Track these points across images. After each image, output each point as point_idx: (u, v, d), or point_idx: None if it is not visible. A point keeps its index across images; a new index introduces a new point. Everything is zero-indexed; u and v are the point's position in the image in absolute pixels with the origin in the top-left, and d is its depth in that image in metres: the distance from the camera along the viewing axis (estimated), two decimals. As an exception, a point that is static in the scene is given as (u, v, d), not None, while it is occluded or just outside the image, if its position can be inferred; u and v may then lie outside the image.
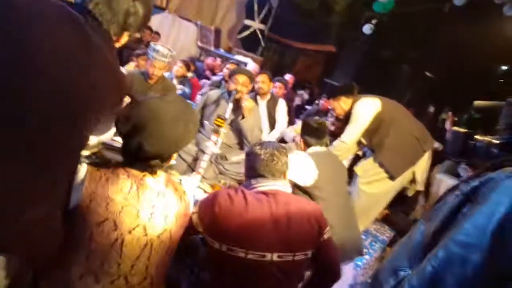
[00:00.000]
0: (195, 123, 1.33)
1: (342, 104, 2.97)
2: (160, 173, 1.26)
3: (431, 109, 6.79)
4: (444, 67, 8.15)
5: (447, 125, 4.42)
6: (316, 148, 2.36)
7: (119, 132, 1.21)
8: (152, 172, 1.22)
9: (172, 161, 1.39)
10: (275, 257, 1.31)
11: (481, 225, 0.85)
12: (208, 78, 5.47)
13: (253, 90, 3.56)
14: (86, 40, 0.89)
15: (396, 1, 6.75)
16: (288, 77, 6.16)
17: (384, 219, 3.77)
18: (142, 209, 1.17)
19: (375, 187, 2.93)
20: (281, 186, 1.45)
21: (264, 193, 1.40)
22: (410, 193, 3.18)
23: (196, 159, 3.02)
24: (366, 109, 2.85)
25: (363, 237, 3.34)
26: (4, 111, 0.73)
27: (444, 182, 5.24)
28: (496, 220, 0.83)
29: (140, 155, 1.17)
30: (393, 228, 3.72)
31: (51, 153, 0.85)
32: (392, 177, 2.84)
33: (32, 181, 0.82)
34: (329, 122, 4.46)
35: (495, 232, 0.82)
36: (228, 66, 4.45)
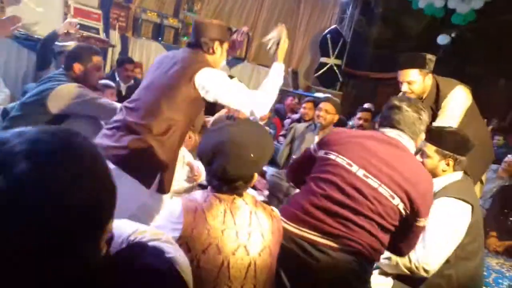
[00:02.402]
0: (271, 143, 1.42)
1: (419, 79, 2.36)
2: (247, 194, 1.34)
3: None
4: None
5: None
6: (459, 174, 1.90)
7: (202, 161, 1.33)
8: (240, 194, 1.30)
9: (262, 197, 1.46)
10: (360, 173, 1.46)
11: None
12: (289, 118, 5.59)
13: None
14: None
15: (476, 11, 6.32)
16: (367, 105, 6.01)
17: (507, 251, 3.29)
18: (240, 230, 1.24)
19: None
20: (407, 141, 1.57)
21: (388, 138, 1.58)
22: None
23: (287, 195, 3.04)
24: (466, 99, 2.38)
25: (485, 273, 2.94)
26: None
27: None
28: None
29: (225, 179, 1.25)
30: (520, 260, 3.22)
31: None
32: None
33: None
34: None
35: None
36: (304, 105, 4.50)
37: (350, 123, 5.11)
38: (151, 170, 1.84)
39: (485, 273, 2.94)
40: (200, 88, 1.83)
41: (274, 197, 3.08)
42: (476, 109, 2.59)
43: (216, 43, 1.94)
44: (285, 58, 7.32)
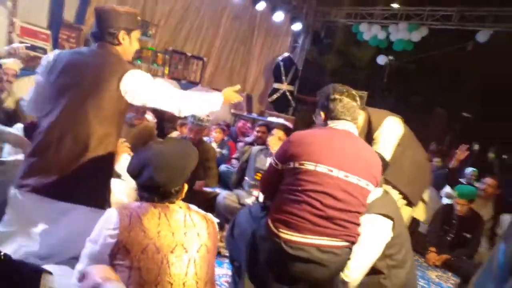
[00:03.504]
0: (194, 152, 1.47)
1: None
2: (180, 202, 1.40)
3: (476, 147, 6.56)
4: (478, 105, 7.99)
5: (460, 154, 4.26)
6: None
7: (132, 177, 1.38)
8: (172, 202, 1.36)
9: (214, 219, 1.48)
10: (341, 174, 1.62)
11: None
12: (241, 141, 5.67)
13: None
14: None
15: (417, 45, 6.89)
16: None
17: (445, 265, 3.50)
18: (175, 231, 1.29)
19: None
20: (353, 128, 1.78)
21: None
22: (421, 217, 3.13)
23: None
24: (396, 130, 2.52)
25: (425, 285, 3.11)
26: None
27: (504, 219, 4.89)
28: None
29: (154, 188, 1.32)
30: (457, 274, 3.42)
31: None
32: (410, 204, 2.66)
33: None
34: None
35: None
36: (257, 129, 4.60)
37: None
38: (102, 191, 1.77)
39: (425, 286, 3.11)
40: (125, 94, 1.72)
41: (224, 218, 3.07)
42: (411, 136, 2.69)
43: (122, 32, 1.78)
44: (240, 83, 7.47)
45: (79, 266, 1.28)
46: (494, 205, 4.34)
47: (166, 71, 7.03)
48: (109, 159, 1.79)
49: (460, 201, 3.63)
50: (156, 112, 5.49)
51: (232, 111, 7.40)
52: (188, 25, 7.30)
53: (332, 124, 1.78)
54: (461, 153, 4.36)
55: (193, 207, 1.44)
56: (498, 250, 1.04)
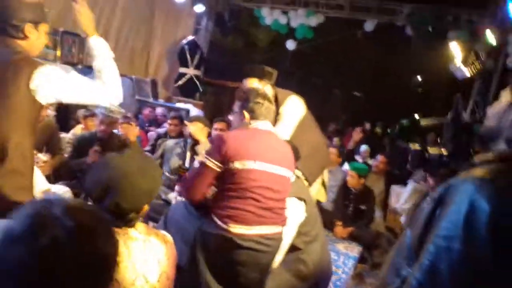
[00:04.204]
0: (160, 171, 1.48)
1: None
2: (139, 224, 1.33)
3: (367, 126, 7.37)
4: (369, 86, 8.96)
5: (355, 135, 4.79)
6: None
7: (91, 198, 1.26)
8: (132, 225, 1.29)
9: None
10: (275, 169, 1.85)
11: (453, 221, 1.03)
12: (151, 130, 5.45)
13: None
14: None
15: (315, 31, 7.36)
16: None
17: (350, 236, 3.94)
18: (136, 261, 1.23)
19: None
20: (272, 127, 2.02)
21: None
22: (322, 199, 3.17)
23: (160, 213, 2.99)
24: (299, 108, 2.60)
25: (335, 257, 3.46)
26: None
27: (393, 190, 5.65)
28: (462, 216, 1.01)
29: (118, 214, 1.23)
30: (360, 243, 3.89)
31: None
32: (309, 184, 2.72)
33: None
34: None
35: (464, 224, 1.01)
36: (170, 121, 4.48)
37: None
38: (20, 198, 1.58)
39: (335, 257, 3.48)
40: (37, 94, 1.54)
41: (146, 216, 2.99)
42: (310, 118, 2.78)
43: (28, 25, 1.59)
44: (143, 67, 7.09)
45: None
46: (385, 179, 4.99)
47: (59, 54, 6.32)
48: (28, 167, 1.62)
49: (352, 173, 4.07)
50: (58, 106, 4.96)
51: (137, 97, 7.03)
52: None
53: (255, 124, 1.97)
54: (356, 134, 4.90)
55: (150, 228, 1.38)
56: (405, 235, 1.26)
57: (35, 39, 1.64)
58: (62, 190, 2.92)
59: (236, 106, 2.10)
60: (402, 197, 5.37)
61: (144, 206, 1.30)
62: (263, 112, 1.97)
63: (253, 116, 1.97)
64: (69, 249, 0.65)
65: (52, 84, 1.56)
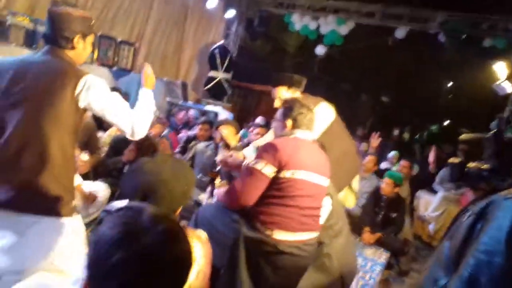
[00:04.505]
0: (192, 172, 1.47)
1: (288, 96, 2.57)
2: None
3: (396, 132, 7.28)
4: (397, 92, 8.86)
5: (431, 157, 4.89)
6: None
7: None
8: None
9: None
10: (319, 179, 1.93)
11: (495, 236, 1.07)
12: (182, 133, 5.60)
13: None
14: None
15: (344, 37, 7.35)
16: (259, 119, 6.45)
17: (378, 243, 3.94)
18: None
19: None
20: (312, 137, 2.11)
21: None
22: (349, 204, 3.09)
23: (190, 212, 3.08)
24: (328, 114, 2.59)
25: (362, 262, 3.48)
26: None
27: (422, 198, 5.57)
28: (504, 232, 1.05)
29: None
30: (387, 249, 3.88)
31: None
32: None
33: None
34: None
35: (507, 240, 1.04)
36: (200, 127, 4.56)
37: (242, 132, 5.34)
38: (66, 200, 1.71)
39: (362, 263, 3.49)
40: (80, 101, 1.68)
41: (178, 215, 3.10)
42: (341, 124, 2.76)
43: (77, 37, 1.74)
44: (174, 70, 7.30)
45: None
46: (410, 184, 4.94)
47: (95, 56, 6.59)
48: (70, 168, 1.75)
49: (388, 181, 4.06)
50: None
51: (168, 99, 7.23)
52: (116, 7, 6.91)
53: (297, 133, 2.03)
54: (374, 140, 4.88)
55: (186, 227, 1.46)
56: (443, 246, 1.30)
57: (82, 49, 1.79)
58: (101, 188, 3.08)
59: (279, 114, 2.14)
60: (431, 205, 5.30)
61: (179, 207, 1.37)
62: (306, 122, 2.04)
63: (296, 125, 2.04)
64: (161, 251, 0.76)
65: (91, 91, 1.69)
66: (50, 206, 1.66)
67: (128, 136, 1.80)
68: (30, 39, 5.52)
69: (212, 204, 2.37)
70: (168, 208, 1.29)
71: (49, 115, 1.63)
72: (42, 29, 5.61)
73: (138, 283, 0.73)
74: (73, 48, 1.75)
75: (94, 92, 1.69)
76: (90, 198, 2.86)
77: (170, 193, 1.28)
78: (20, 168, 1.61)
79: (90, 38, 1.83)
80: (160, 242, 0.76)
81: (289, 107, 2.07)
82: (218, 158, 2.53)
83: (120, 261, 0.72)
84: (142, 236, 0.75)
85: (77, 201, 2.74)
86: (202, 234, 1.49)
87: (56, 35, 1.70)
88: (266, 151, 1.87)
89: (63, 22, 1.70)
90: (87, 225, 2.91)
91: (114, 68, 6.83)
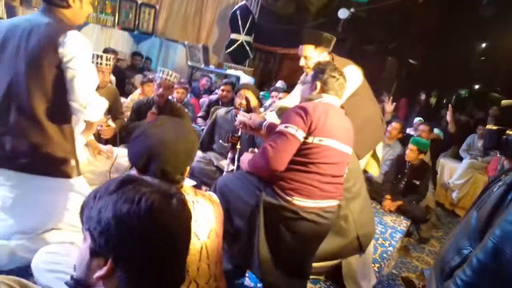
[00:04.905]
0: (195, 134, 1.48)
1: (314, 55, 2.44)
2: (186, 186, 1.42)
3: (422, 96, 7.01)
4: (425, 54, 8.45)
5: (448, 116, 4.73)
6: None
7: (137, 169, 1.35)
8: (180, 187, 1.37)
9: (191, 182, 1.52)
10: (342, 147, 1.86)
11: None
12: (203, 97, 5.60)
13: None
14: None
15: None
16: (279, 83, 6.34)
17: (399, 210, 3.93)
18: None
19: None
20: (339, 102, 2.02)
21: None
22: (373, 172, 3.02)
23: (213, 178, 3.13)
24: (356, 77, 2.46)
25: (382, 229, 3.50)
26: None
27: (446, 165, 5.46)
28: None
29: (165, 178, 1.30)
30: (408, 217, 3.87)
31: None
32: (357, 158, 2.60)
33: None
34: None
35: None
36: (222, 87, 4.55)
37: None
38: (64, 161, 1.76)
39: (382, 230, 3.51)
40: (63, 57, 1.63)
41: (199, 181, 3.15)
42: (367, 88, 2.65)
43: None
44: (195, 33, 7.16)
45: None
46: (431, 149, 4.81)
47: (117, 20, 6.56)
48: (64, 129, 1.76)
49: (412, 147, 3.96)
50: (116, 71, 5.22)
51: (189, 63, 7.19)
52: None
53: (326, 98, 1.95)
54: (387, 106, 4.73)
55: (197, 190, 1.47)
56: (471, 216, 1.28)
57: (78, 8, 1.76)
58: (125, 152, 3.16)
59: (310, 76, 2.04)
60: (456, 172, 5.20)
61: (187, 167, 1.39)
62: (336, 87, 1.94)
63: (325, 89, 1.95)
64: (184, 210, 0.87)
65: (72, 47, 1.64)
66: (44, 166, 1.70)
67: (76, 106, 1.71)
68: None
69: (233, 174, 2.34)
70: (175, 170, 1.32)
71: (32, 72, 1.63)
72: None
73: (163, 256, 0.78)
74: (68, 6, 1.72)
75: (74, 48, 1.64)
76: (107, 153, 2.90)
77: (173, 154, 1.31)
78: (9, 126, 1.66)
79: None
80: (182, 203, 0.85)
81: (321, 69, 1.97)
82: (238, 119, 2.44)
83: (147, 239, 0.77)
84: (175, 199, 0.83)
85: (91, 158, 2.82)
86: (212, 195, 1.53)
87: None
88: (297, 115, 1.77)
89: None
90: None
91: (135, 32, 6.80)
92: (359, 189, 2.30)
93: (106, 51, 5.20)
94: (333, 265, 2.51)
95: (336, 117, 1.87)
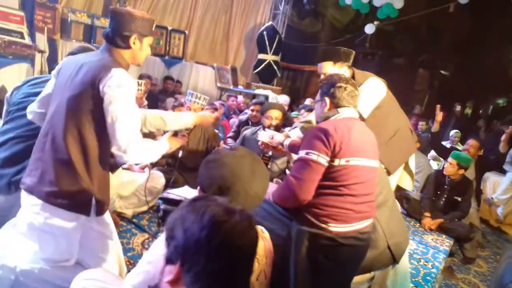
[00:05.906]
0: (267, 172, 1.39)
1: (333, 71, 2.36)
2: None
3: (458, 107, 6.74)
4: (458, 64, 8.21)
5: (503, 137, 4.54)
6: None
7: (204, 192, 1.28)
8: None
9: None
10: (369, 163, 1.78)
11: None
12: (233, 117, 5.66)
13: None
14: None
15: (399, 10, 6.90)
16: (308, 101, 6.32)
17: (439, 228, 3.74)
18: None
19: None
20: (356, 114, 1.92)
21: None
22: (407, 186, 2.89)
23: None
24: (379, 89, 2.39)
25: (424, 250, 3.34)
26: None
27: (490, 178, 5.19)
28: None
29: None
30: (451, 235, 3.68)
31: None
32: (387, 173, 2.53)
33: None
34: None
35: None
36: (252, 107, 4.56)
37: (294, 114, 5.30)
38: (84, 197, 1.67)
39: (424, 250, 3.34)
40: (104, 94, 1.57)
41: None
42: (393, 100, 2.57)
43: (134, 37, 1.69)
44: (223, 55, 7.34)
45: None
46: (476, 165, 4.59)
47: (148, 48, 6.82)
48: (92, 169, 1.67)
49: (452, 161, 3.78)
50: (150, 96, 5.40)
51: (218, 84, 7.32)
52: (166, -4, 7.05)
53: (342, 111, 1.85)
54: (438, 114, 4.50)
55: None
56: None
57: (137, 49, 1.74)
58: (158, 175, 3.20)
59: (318, 94, 1.96)
60: (499, 187, 4.93)
61: (251, 207, 1.30)
62: (346, 97, 1.82)
63: (336, 103, 1.84)
64: (251, 231, 0.89)
65: (113, 85, 1.58)
66: (64, 199, 1.63)
67: (115, 151, 1.62)
68: (88, 34, 5.81)
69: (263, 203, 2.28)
70: (244, 206, 1.26)
71: (70, 101, 1.61)
72: (98, 23, 5.89)
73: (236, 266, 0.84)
74: (128, 47, 1.72)
75: (116, 86, 1.59)
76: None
77: (244, 191, 1.25)
78: (43, 154, 1.66)
79: (148, 40, 1.78)
80: (250, 224, 0.88)
81: (325, 83, 1.88)
82: (259, 139, 2.42)
83: (215, 248, 0.81)
84: (241, 217, 0.86)
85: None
86: (263, 230, 1.42)
87: (114, 33, 1.70)
88: (317, 139, 1.68)
89: (122, 21, 1.69)
90: (145, 212, 3.05)
91: (166, 57, 7.02)
92: (385, 196, 2.19)
93: (141, 77, 5.38)
94: (367, 278, 2.40)
95: (359, 133, 1.77)
